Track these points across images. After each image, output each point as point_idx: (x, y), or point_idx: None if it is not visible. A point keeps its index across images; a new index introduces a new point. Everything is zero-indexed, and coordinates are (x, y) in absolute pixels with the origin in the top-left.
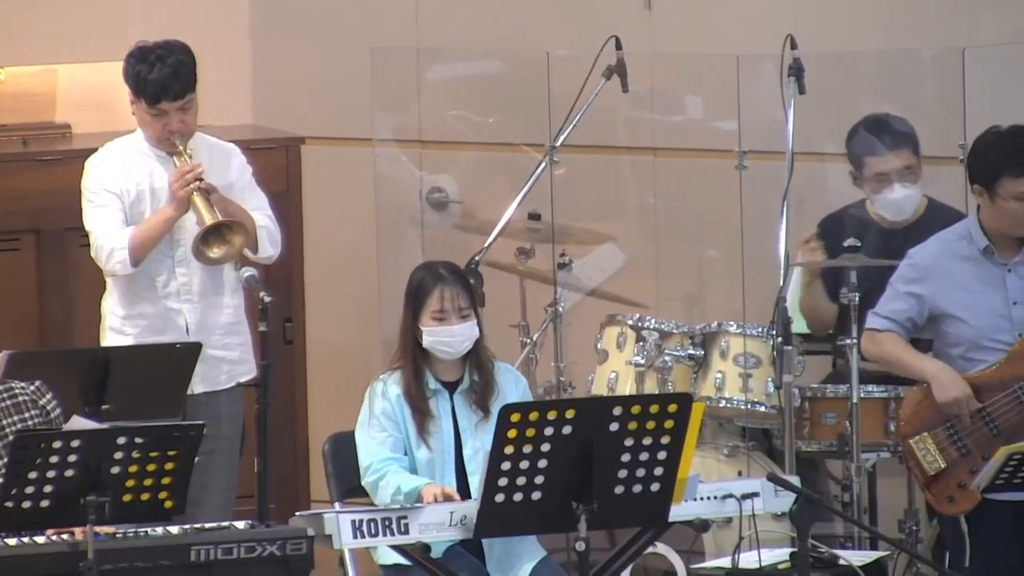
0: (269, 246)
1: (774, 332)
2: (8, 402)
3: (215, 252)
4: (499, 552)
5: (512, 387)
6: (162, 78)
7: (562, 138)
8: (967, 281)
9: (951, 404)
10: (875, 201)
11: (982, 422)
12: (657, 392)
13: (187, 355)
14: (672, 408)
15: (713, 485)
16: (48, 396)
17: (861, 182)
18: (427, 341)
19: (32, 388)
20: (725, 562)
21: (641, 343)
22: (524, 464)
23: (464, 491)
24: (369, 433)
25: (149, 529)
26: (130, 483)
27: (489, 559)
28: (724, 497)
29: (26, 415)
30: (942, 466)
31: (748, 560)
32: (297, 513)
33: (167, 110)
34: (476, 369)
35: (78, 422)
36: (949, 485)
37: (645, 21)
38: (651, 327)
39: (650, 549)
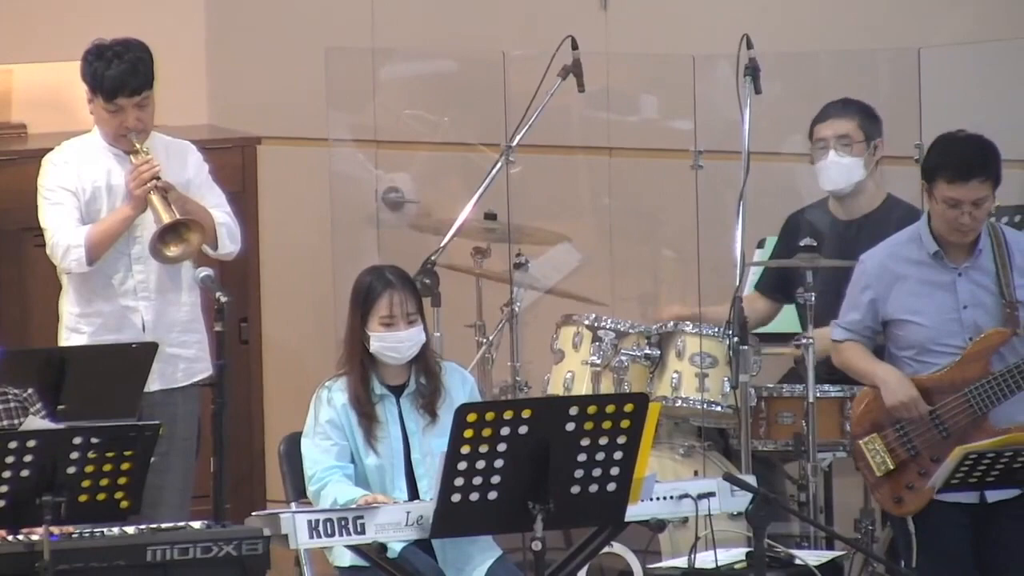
0: (229, 242)
1: (730, 332)
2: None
3: (173, 250)
4: (451, 552)
5: (459, 387)
6: (119, 74)
7: (518, 138)
8: (917, 285)
9: (898, 408)
10: (817, 173)
11: (932, 424)
12: (613, 392)
13: (143, 355)
14: (628, 408)
15: (669, 485)
16: (38, 405)
17: (813, 156)
18: (374, 346)
19: (24, 395)
20: (681, 562)
21: (597, 343)
22: (480, 464)
23: (414, 496)
24: (314, 441)
25: (105, 529)
26: (86, 483)
27: (441, 559)
28: (680, 497)
29: (15, 422)
30: (891, 467)
31: (704, 560)
32: (253, 513)
33: (124, 106)
34: (423, 373)
35: (34, 422)
36: (897, 486)
37: (601, 21)
38: (607, 327)
39: (606, 549)
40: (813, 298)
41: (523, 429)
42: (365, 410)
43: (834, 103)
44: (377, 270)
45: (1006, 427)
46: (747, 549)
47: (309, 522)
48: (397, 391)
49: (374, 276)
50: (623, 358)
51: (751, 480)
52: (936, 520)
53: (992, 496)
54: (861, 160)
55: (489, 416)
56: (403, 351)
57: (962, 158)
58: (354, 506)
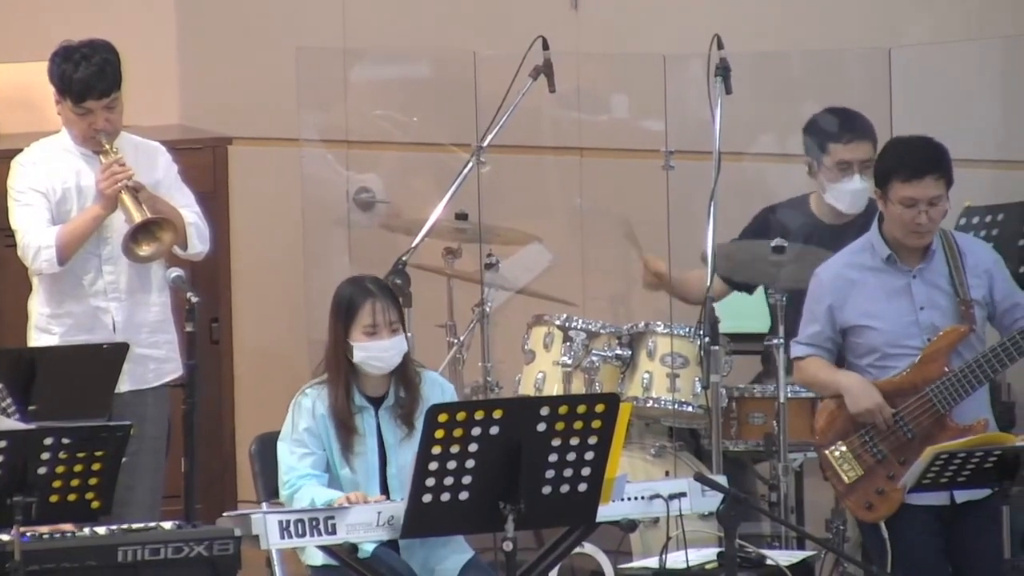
0: (198, 243)
1: (701, 332)
2: None
3: (145, 250)
4: (420, 552)
5: (438, 398)
6: (87, 77)
7: (489, 138)
8: (873, 291)
9: (864, 415)
10: (831, 191)
11: (897, 427)
12: (584, 392)
13: (114, 356)
14: (599, 408)
15: (640, 485)
16: (8, 400)
17: (818, 171)
18: (358, 356)
19: None
20: (652, 562)
21: (568, 343)
22: (451, 464)
23: None
24: (290, 448)
25: (76, 530)
26: (57, 484)
27: (410, 559)
28: (651, 497)
29: None
30: (860, 473)
31: (675, 560)
32: (224, 513)
33: (93, 108)
34: (403, 384)
35: (4, 423)
36: (867, 492)
37: (572, 21)
38: (578, 327)
39: (577, 549)
40: (784, 299)
41: (494, 429)
42: (344, 421)
43: (853, 123)
44: (357, 281)
45: (969, 424)
46: (718, 549)
47: (280, 522)
48: (376, 403)
49: (355, 287)
50: (594, 358)
51: (722, 480)
52: (908, 524)
53: (960, 497)
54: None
55: (460, 416)
56: (387, 360)
57: (915, 157)
58: (332, 506)
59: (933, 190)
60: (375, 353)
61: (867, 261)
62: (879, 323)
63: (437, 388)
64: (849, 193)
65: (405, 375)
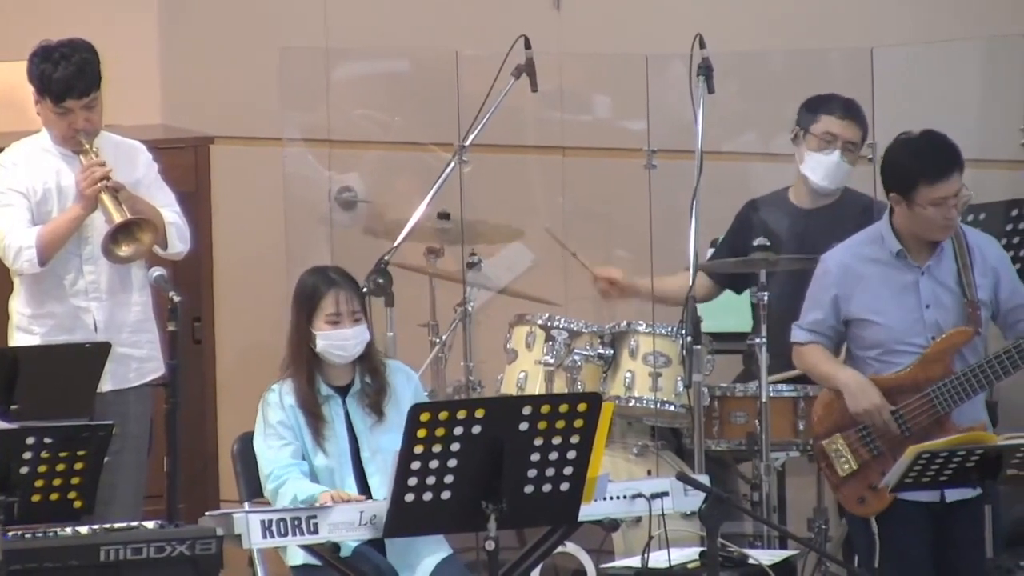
0: (178, 242)
1: (683, 331)
2: None
3: (125, 250)
4: (401, 550)
5: (404, 385)
6: (67, 76)
7: (471, 138)
8: (880, 285)
9: (862, 415)
10: (808, 160)
11: (895, 424)
12: (566, 392)
13: (96, 355)
14: (581, 407)
15: (622, 484)
16: None
17: (802, 139)
18: (321, 345)
19: None
20: (635, 561)
21: (550, 343)
22: (434, 464)
23: (365, 493)
24: (267, 442)
25: (58, 529)
26: (39, 483)
27: (391, 558)
28: (634, 496)
29: None
30: (854, 467)
31: (658, 559)
32: (206, 513)
33: (72, 108)
34: (368, 372)
35: None
36: (860, 486)
37: (554, 21)
38: (560, 326)
39: (560, 548)
40: (766, 298)
41: (476, 429)
42: (312, 410)
43: (850, 103)
44: (320, 270)
45: (969, 426)
46: (700, 548)
47: (262, 522)
48: (343, 391)
49: (317, 276)
50: (576, 358)
51: (704, 480)
52: (898, 521)
53: (951, 496)
54: (851, 169)
55: (442, 416)
56: (349, 349)
57: (938, 157)
58: (315, 503)
59: (957, 184)
60: (337, 342)
61: (875, 253)
62: (884, 319)
63: (403, 375)
64: (824, 166)
65: (370, 363)
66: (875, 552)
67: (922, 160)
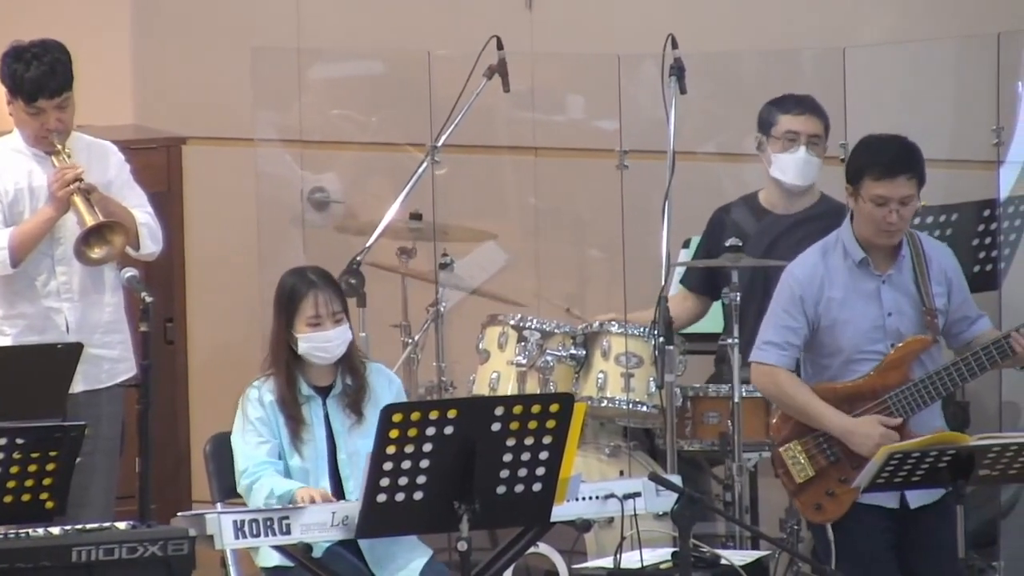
0: (150, 243)
1: (656, 332)
2: None
3: (96, 252)
4: (379, 551)
5: (385, 388)
6: (39, 76)
7: (443, 138)
8: (843, 292)
9: (874, 450)
10: (776, 163)
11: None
12: (539, 392)
13: (68, 356)
14: (554, 408)
15: (595, 485)
16: None
17: (767, 144)
18: (303, 348)
19: None
20: (607, 562)
21: (523, 343)
22: (406, 464)
23: (339, 495)
24: (244, 438)
25: (30, 530)
26: (11, 484)
27: (370, 558)
28: (606, 497)
29: None
30: (811, 474)
31: (630, 560)
32: (179, 513)
33: (44, 108)
34: (349, 373)
35: None
36: (817, 493)
37: (526, 21)
38: (532, 327)
39: (532, 549)
40: (738, 298)
41: (449, 429)
42: (291, 412)
43: (804, 98)
44: (299, 272)
45: (926, 435)
46: (673, 549)
47: (235, 522)
48: (324, 392)
49: (297, 278)
50: (548, 358)
51: (676, 480)
52: (856, 525)
53: (914, 502)
54: (820, 162)
55: (415, 416)
56: (331, 350)
57: (888, 156)
58: (292, 499)
59: (905, 189)
60: (319, 344)
61: (838, 261)
62: (848, 326)
63: (383, 377)
64: (793, 163)
65: (351, 364)
66: (831, 558)
67: (873, 154)
